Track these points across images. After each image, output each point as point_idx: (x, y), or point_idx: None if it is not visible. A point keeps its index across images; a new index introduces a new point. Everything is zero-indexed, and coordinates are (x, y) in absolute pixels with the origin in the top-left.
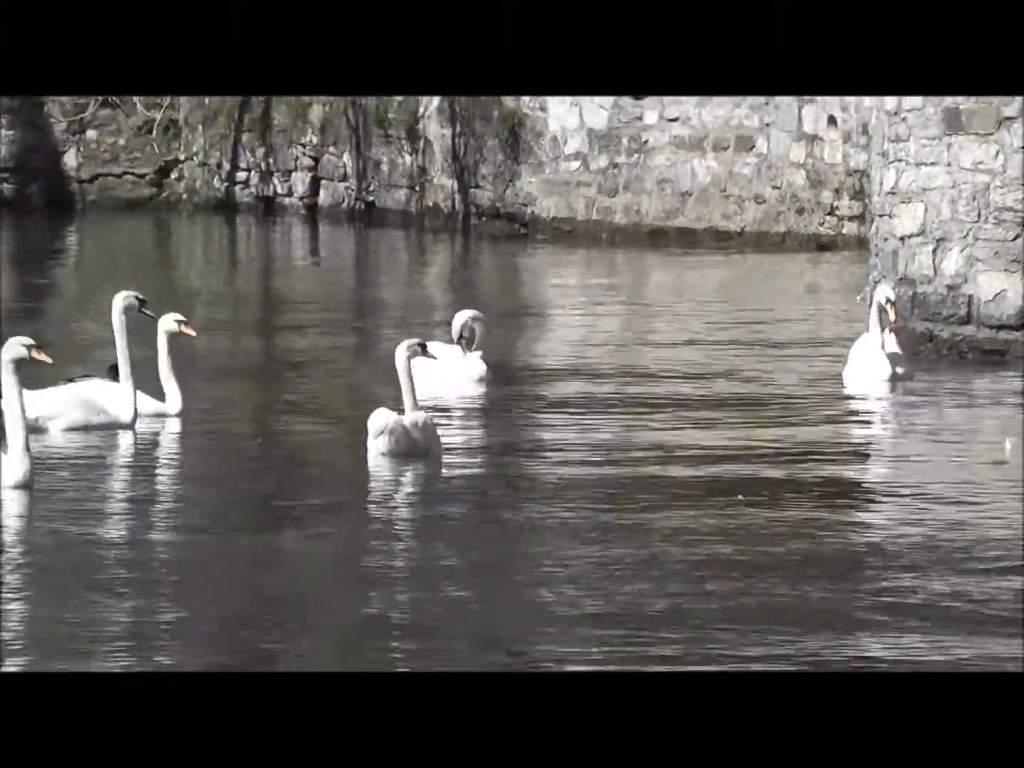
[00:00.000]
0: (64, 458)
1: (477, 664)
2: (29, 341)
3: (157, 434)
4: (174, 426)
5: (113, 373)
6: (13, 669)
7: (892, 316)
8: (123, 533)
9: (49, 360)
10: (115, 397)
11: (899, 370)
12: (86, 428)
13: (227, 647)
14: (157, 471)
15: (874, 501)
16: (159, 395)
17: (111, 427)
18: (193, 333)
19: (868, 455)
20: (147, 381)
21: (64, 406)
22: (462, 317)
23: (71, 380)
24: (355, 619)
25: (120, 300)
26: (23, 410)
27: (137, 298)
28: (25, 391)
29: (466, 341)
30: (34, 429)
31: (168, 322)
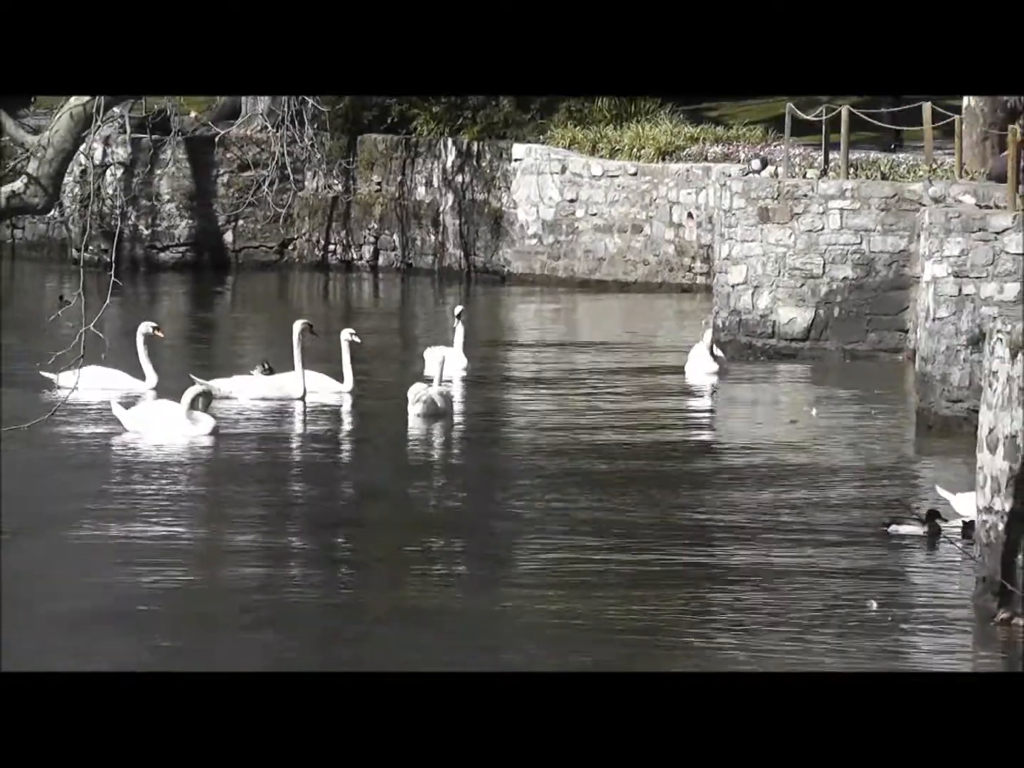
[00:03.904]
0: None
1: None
2: (208, 390)
3: (338, 405)
4: (348, 399)
5: (267, 368)
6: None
7: (709, 338)
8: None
9: (202, 410)
10: (292, 381)
11: (718, 365)
12: (265, 399)
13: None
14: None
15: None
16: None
17: (287, 400)
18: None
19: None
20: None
21: (260, 387)
22: (457, 309)
23: (250, 373)
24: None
25: (298, 325)
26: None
27: (308, 324)
28: (237, 378)
29: (456, 324)
30: (227, 398)
31: (345, 334)
